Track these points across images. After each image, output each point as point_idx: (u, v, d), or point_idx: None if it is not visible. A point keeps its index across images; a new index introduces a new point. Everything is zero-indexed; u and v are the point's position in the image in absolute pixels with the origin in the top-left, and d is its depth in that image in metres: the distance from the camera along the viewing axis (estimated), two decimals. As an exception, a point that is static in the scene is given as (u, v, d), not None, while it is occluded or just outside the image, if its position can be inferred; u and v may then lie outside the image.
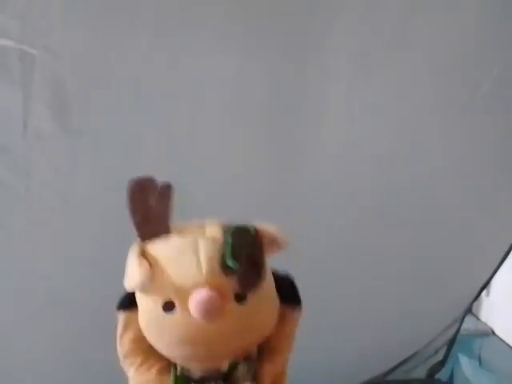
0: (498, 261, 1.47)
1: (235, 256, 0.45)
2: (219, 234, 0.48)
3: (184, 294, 0.45)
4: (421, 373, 1.65)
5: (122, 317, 0.53)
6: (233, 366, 0.51)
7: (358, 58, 1.06)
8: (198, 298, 0.44)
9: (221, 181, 1.02)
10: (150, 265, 0.47)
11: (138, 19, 0.87)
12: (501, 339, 1.84)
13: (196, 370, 0.51)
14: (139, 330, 0.52)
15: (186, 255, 0.47)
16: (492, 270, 1.49)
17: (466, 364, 1.67)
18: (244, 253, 0.46)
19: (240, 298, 0.47)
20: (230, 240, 0.46)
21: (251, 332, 0.49)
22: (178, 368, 0.52)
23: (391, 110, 1.13)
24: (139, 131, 0.93)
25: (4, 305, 1.01)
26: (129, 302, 0.52)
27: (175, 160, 0.96)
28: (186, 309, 0.45)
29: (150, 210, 0.50)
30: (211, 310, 0.44)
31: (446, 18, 1.08)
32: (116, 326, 0.55)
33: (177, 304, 0.46)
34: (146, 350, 0.52)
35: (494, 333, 1.88)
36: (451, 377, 1.65)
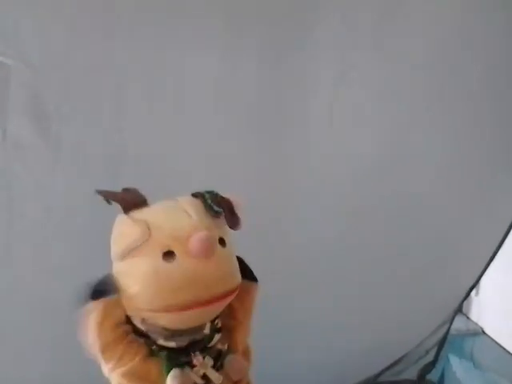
0: (487, 261, 1.49)
1: (216, 203, 0.55)
2: (193, 198, 0.56)
3: (182, 240, 0.51)
4: (412, 374, 1.67)
5: (101, 305, 0.54)
6: (211, 333, 0.57)
7: (341, 57, 1.08)
8: (197, 238, 0.50)
9: (207, 184, 1.03)
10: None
11: (116, 27, 0.88)
12: (491, 338, 1.86)
13: (181, 340, 0.54)
14: (119, 316, 0.54)
15: (174, 211, 0.54)
16: (480, 270, 1.51)
17: (456, 364, 1.69)
18: (222, 201, 0.56)
19: (223, 243, 0.54)
20: (206, 194, 0.55)
21: (231, 273, 0.55)
22: (163, 343, 0.54)
23: (376, 109, 1.16)
24: (121, 139, 0.94)
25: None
26: (101, 292, 0.54)
27: (159, 167, 0.96)
28: (185, 254, 0.50)
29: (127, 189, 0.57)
30: (209, 247, 0.51)
31: (428, 17, 1.11)
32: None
33: (176, 251, 0.51)
34: (126, 340, 0.54)
35: (484, 332, 1.90)
36: (442, 377, 1.67)
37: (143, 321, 0.54)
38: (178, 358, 0.54)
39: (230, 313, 0.61)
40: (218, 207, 0.55)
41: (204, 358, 0.56)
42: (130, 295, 0.52)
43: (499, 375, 1.64)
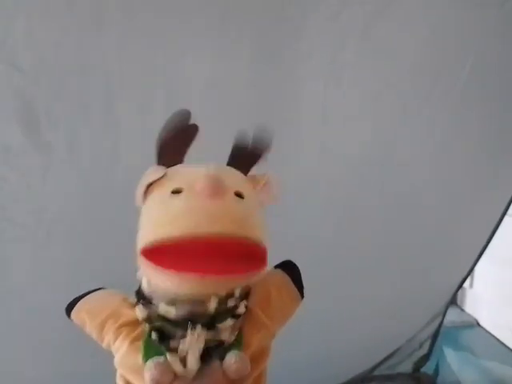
0: (478, 253, 1.53)
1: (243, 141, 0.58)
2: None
3: (193, 181, 0.52)
4: (406, 367, 1.71)
5: (75, 316, 0.60)
6: (219, 314, 0.53)
7: (333, 56, 1.10)
8: (204, 177, 0.51)
9: None
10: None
11: (106, 29, 0.89)
12: (485, 330, 1.91)
13: (181, 309, 0.52)
14: (101, 314, 0.57)
15: (198, 165, 0.55)
16: (472, 262, 1.55)
17: (450, 356, 1.74)
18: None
19: (239, 195, 0.53)
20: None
21: (245, 222, 0.52)
22: (164, 309, 0.53)
23: (369, 108, 1.18)
24: (112, 142, 0.96)
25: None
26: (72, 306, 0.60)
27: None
28: (192, 192, 0.51)
29: (175, 142, 0.59)
30: (216, 186, 0.50)
31: (420, 15, 1.13)
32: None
33: (185, 189, 0.52)
34: (114, 327, 0.56)
35: (478, 324, 1.96)
36: (437, 369, 1.72)
37: (149, 282, 0.54)
38: (164, 341, 0.52)
39: (267, 307, 0.58)
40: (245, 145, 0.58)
41: (198, 336, 0.52)
42: (139, 236, 0.53)
43: (493, 366, 1.68)
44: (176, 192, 0.52)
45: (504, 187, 1.44)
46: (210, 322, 0.52)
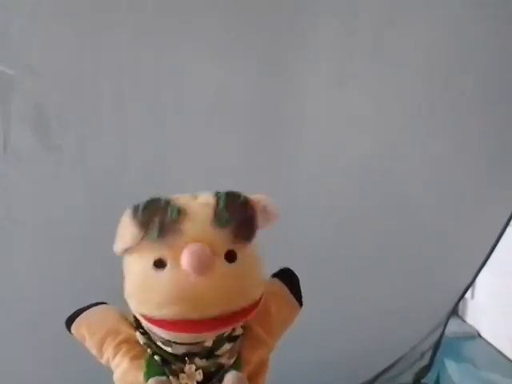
0: (480, 263, 1.53)
1: (228, 211, 0.50)
2: (211, 199, 0.51)
3: (177, 250, 0.48)
4: (407, 378, 1.70)
5: (75, 331, 0.60)
6: (217, 344, 0.53)
7: (340, 61, 1.12)
8: (189, 250, 0.47)
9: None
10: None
11: (119, 34, 0.91)
12: (487, 341, 1.91)
13: (178, 348, 0.54)
14: (102, 330, 0.58)
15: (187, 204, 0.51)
16: (474, 272, 1.55)
17: (451, 367, 1.73)
18: (237, 209, 0.51)
19: (230, 258, 0.50)
20: (223, 198, 0.51)
21: (239, 294, 0.51)
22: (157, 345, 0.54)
23: (374, 113, 1.20)
24: (122, 147, 0.97)
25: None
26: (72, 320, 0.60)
27: (160, 175, 1.00)
28: (177, 265, 0.48)
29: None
30: (202, 263, 0.47)
31: (428, 23, 1.15)
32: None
33: (168, 261, 0.48)
34: (114, 343, 0.57)
35: (480, 335, 1.95)
36: (437, 381, 1.71)
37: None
38: (169, 364, 0.54)
39: (266, 323, 0.58)
40: (230, 217, 0.50)
41: (197, 370, 0.53)
42: (126, 293, 0.53)
43: (494, 378, 1.68)
44: (159, 263, 0.49)
45: (507, 198, 1.45)
46: (208, 353, 0.53)
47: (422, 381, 1.71)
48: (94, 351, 0.59)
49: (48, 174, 0.94)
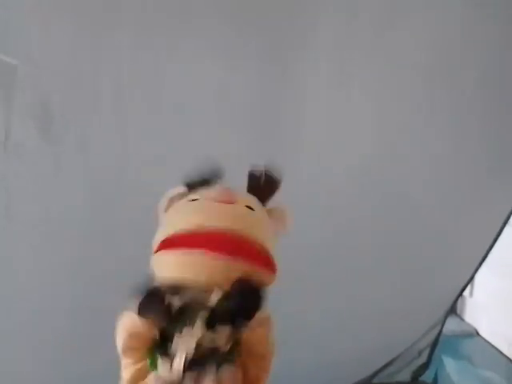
0: (478, 262, 1.54)
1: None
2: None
3: (209, 193, 0.57)
4: (405, 375, 1.71)
5: (136, 319, 0.54)
6: (220, 305, 0.52)
7: (340, 59, 1.12)
8: (219, 188, 0.58)
9: None
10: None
11: (120, 34, 0.92)
12: (485, 340, 1.92)
13: (184, 297, 0.52)
14: (146, 333, 0.54)
15: None
16: (472, 271, 1.56)
17: (449, 365, 1.74)
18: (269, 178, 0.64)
19: (250, 208, 0.57)
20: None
21: (253, 226, 0.56)
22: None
23: (375, 111, 1.20)
24: (123, 142, 0.98)
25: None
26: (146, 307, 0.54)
27: (161, 170, 0.99)
28: (207, 198, 0.56)
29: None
30: (227, 193, 0.57)
31: (428, 20, 1.16)
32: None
33: (201, 198, 0.57)
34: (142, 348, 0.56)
35: (478, 333, 1.96)
36: (435, 379, 1.72)
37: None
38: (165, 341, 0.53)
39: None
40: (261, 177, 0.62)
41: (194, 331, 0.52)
42: (155, 239, 0.56)
43: (492, 376, 1.69)
44: (193, 200, 0.57)
45: (506, 197, 1.46)
46: (210, 319, 0.52)
47: (420, 379, 1.72)
48: (123, 342, 0.56)
49: (48, 172, 0.95)
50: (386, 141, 1.24)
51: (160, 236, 0.55)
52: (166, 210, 0.59)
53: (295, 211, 1.17)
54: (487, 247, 1.52)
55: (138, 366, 0.56)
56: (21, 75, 0.88)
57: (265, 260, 0.55)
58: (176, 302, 0.52)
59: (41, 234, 1.00)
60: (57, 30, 0.89)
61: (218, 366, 0.53)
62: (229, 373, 0.54)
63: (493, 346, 1.88)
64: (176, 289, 0.53)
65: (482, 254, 1.54)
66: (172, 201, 0.60)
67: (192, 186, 0.60)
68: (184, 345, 0.51)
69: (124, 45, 0.94)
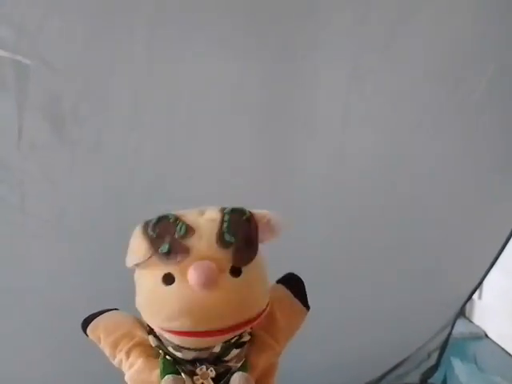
0: (489, 264, 1.53)
1: (232, 232, 0.53)
2: (218, 215, 0.55)
3: (184, 266, 0.51)
4: (414, 377, 1.71)
5: (91, 333, 0.62)
6: (224, 350, 0.56)
7: (353, 59, 1.12)
8: (196, 267, 0.50)
9: (218, 192, 1.05)
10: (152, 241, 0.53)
11: (135, 30, 0.92)
12: (494, 342, 1.91)
13: (187, 354, 0.56)
14: (117, 332, 0.60)
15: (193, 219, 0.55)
16: (482, 274, 1.56)
17: (459, 368, 1.74)
18: (240, 229, 0.54)
19: (235, 272, 0.53)
20: (227, 218, 0.54)
21: (244, 307, 0.54)
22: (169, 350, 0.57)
23: (385, 111, 1.20)
24: (137, 141, 0.98)
25: (1, 318, 1.05)
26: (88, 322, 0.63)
27: (174, 169, 1.01)
28: (184, 281, 0.51)
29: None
30: (208, 278, 0.50)
31: (440, 21, 1.15)
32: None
33: (176, 277, 0.52)
34: (128, 346, 0.60)
35: (487, 336, 1.95)
36: (444, 381, 1.72)
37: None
38: (181, 365, 0.56)
39: (272, 329, 0.61)
40: (233, 235, 0.53)
41: (207, 369, 0.55)
42: (137, 304, 0.57)
43: (502, 379, 1.68)
44: (168, 279, 0.52)
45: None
46: (217, 359, 0.56)
47: (429, 381, 1.72)
48: (107, 351, 0.62)
49: (62, 172, 0.95)
50: (397, 140, 1.24)
51: (145, 319, 0.57)
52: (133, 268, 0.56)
53: (306, 208, 1.18)
54: (498, 248, 1.52)
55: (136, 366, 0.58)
56: (33, 75, 0.88)
57: (260, 315, 0.56)
58: (180, 355, 0.56)
59: (55, 233, 1.00)
60: (69, 29, 0.89)
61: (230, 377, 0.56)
62: (239, 380, 0.56)
63: (501, 349, 1.87)
64: (177, 346, 0.56)
65: (493, 256, 1.53)
66: (139, 266, 0.55)
67: (156, 235, 0.53)
68: (205, 376, 0.56)
69: (139, 44, 0.94)
